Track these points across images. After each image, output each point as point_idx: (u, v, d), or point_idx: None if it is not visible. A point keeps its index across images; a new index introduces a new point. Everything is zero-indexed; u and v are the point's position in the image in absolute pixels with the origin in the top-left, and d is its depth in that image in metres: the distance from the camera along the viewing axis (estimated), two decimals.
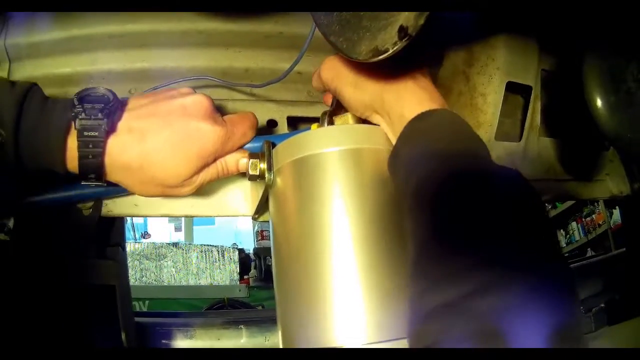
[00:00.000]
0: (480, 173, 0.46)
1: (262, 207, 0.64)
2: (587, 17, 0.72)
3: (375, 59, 0.43)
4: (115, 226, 0.98)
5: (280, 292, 0.56)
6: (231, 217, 0.74)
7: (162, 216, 0.76)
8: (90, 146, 0.50)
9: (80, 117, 0.50)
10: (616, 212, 3.61)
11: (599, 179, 0.99)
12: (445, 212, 0.44)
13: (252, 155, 0.59)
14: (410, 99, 0.53)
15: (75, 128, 0.50)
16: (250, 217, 0.70)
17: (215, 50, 0.73)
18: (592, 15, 0.71)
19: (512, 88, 0.76)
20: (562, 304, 0.38)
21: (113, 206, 0.72)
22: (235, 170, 0.60)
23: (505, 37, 0.74)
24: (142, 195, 0.58)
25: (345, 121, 0.60)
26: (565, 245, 4.44)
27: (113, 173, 0.53)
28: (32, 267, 0.69)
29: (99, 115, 0.50)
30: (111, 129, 0.52)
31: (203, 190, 0.72)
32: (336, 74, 0.59)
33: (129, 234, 4.51)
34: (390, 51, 0.41)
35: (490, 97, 0.73)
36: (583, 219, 4.21)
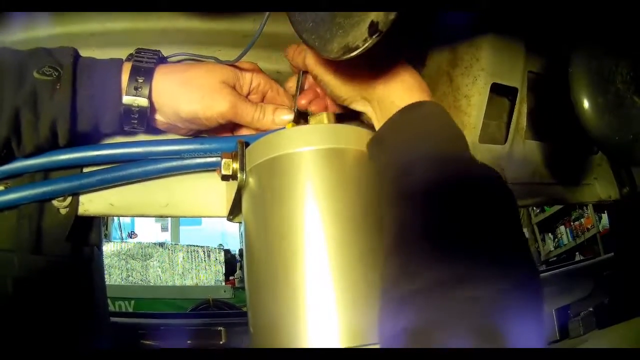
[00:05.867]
0: (462, 173, 0.49)
1: (235, 207, 0.63)
2: (575, 15, 0.71)
3: (347, 57, 0.42)
4: (91, 226, 0.96)
5: (252, 294, 0.54)
6: (218, 218, 0.72)
7: (136, 216, 0.74)
8: (142, 70, 0.59)
9: (134, 58, 0.60)
10: (605, 217, 3.62)
11: (587, 183, 0.98)
12: (424, 206, 0.47)
13: (225, 155, 0.58)
14: (401, 87, 0.54)
15: (130, 61, 0.60)
16: (225, 218, 0.68)
17: (194, 49, 0.72)
18: (581, 13, 0.69)
19: (498, 90, 0.74)
20: (527, 303, 0.42)
21: (89, 205, 0.70)
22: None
23: (490, 37, 0.72)
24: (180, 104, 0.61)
25: (319, 121, 0.60)
26: (553, 248, 4.46)
27: (159, 79, 0.59)
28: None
29: (152, 57, 0.61)
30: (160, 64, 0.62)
31: (177, 191, 0.70)
32: (321, 58, 0.57)
33: (115, 233, 4.51)
34: (361, 48, 0.41)
35: (474, 99, 0.72)
36: (572, 223, 4.22)
